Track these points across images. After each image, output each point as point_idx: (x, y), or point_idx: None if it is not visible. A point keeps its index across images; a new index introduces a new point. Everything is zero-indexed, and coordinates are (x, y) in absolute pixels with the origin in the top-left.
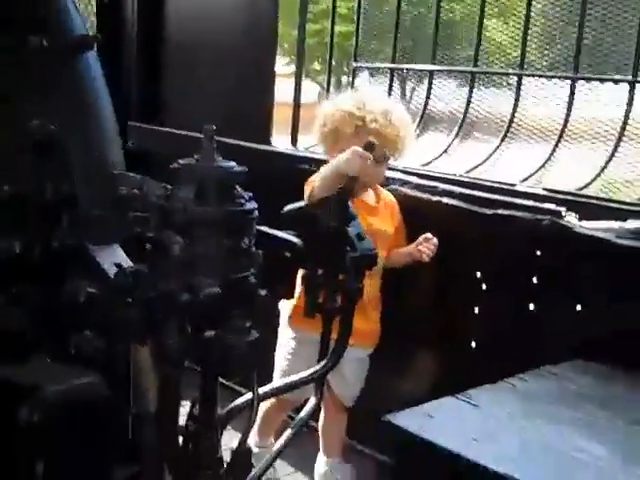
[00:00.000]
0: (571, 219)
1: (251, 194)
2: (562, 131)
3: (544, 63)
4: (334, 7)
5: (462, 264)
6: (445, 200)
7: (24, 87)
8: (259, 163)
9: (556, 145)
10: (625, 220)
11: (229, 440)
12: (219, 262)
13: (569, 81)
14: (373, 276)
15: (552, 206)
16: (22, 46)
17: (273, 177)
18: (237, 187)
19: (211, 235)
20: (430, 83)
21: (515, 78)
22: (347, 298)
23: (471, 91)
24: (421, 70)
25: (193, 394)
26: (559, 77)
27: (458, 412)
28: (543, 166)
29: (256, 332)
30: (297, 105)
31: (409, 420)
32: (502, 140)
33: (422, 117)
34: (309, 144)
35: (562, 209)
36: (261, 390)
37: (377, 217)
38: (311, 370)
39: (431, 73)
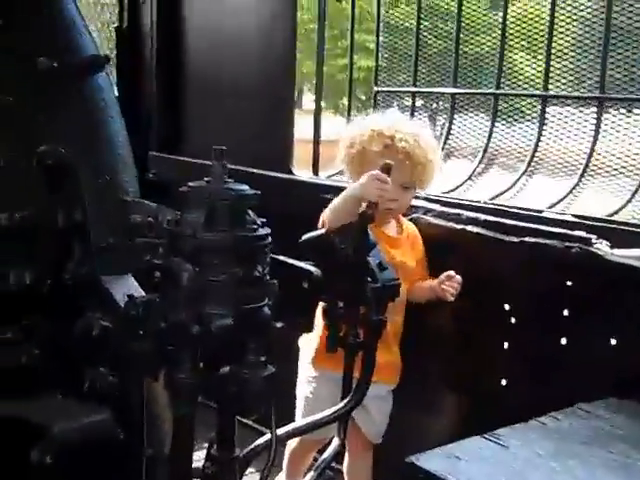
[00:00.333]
0: (602, 247)
1: (264, 219)
2: (589, 159)
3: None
4: (352, 36)
5: (489, 296)
6: (469, 228)
7: (34, 110)
8: (280, 192)
9: (583, 173)
10: None
11: None
12: (230, 291)
13: (595, 109)
14: (397, 308)
15: (582, 233)
16: (32, 68)
17: (294, 206)
18: (249, 212)
19: (221, 262)
20: (452, 107)
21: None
22: (369, 332)
23: (495, 114)
24: (443, 93)
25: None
26: (585, 98)
27: (486, 453)
28: (571, 192)
29: (272, 367)
30: (317, 133)
31: (434, 462)
32: (528, 165)
33: (446, 140)
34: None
35: (592, 236)
36: (282, 430)
37: (399, 249)
38: (334, 409)
39: (453, 96)
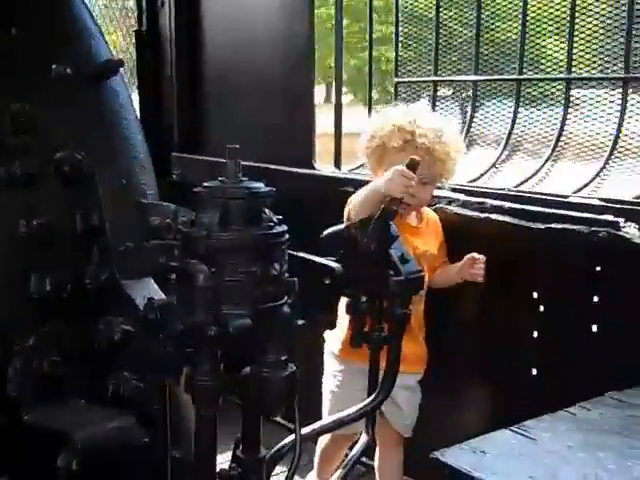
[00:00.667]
0: (630, 230)
1: (281, 217)
2: (615, 141)
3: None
4: (371, 28)
5: (517, 284)
6: (494, 216)
7: (50, 116)
8: (303, 187)
9: (609, 155)
10: None
11: None
12: (248, 291)
13: (620, 90)
14: (420, 298)
15: (609, 217)
16: (47, 75)
17: (317, 201)
18: (265, 210)
19: (237, 262)
20: (475, 94)
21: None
22: (394, 326)
23: (518, 100)
24: (464, 81)
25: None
26: (609, 79)
27: (513, 447)
28: (597, 175)
29: (293, 365)
30: (339, 128)
31: (459, 457)
32: (553, 150)
33: (469, 128)
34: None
35: (620, 220)
36: (308, 429)
37: (421, 238)
38: (361, 405)
39: (475, 83)
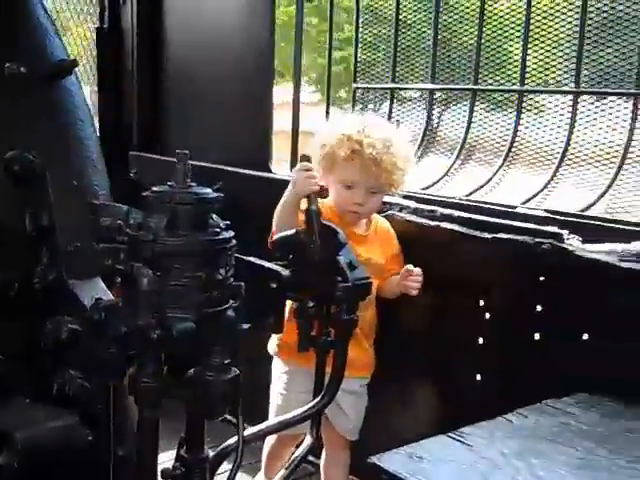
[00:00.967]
0: (573, 242)
1: (228, 222)
2: (564, 153)
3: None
4: (331, 31)
5: (464, 291)
6: (444, 225)
7: (1, 115)
8: (258, 190)
9: (557, 168)
10: (629, 242)
11: None
12: (192, 295)
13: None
14: (367, 305)
15: (553, 229)
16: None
17: (271, 204)
18: (213, 215)
19: (182, 266)
20: (431, 103)
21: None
22: (340, 331)
23: (472, 109)
24: (421, 89)
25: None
26: (561, 92)
27: (449, 453)
28: (545, 187)
29: (237, 369)
30: (296, 131)
31: (396, 462)
32: (504, 160)
33: (424, 136)
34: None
35: (564, 232)
36: (253, 430)
37: (365, 246)
38: (305, 407)
39: (431, 92)
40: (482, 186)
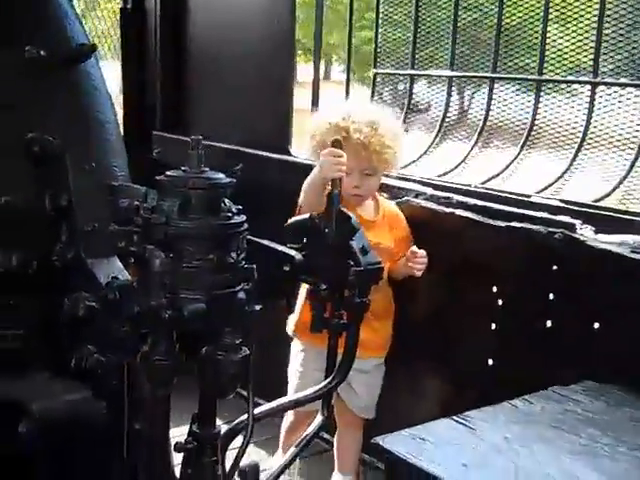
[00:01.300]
0: (586, 232)
1: (240, 207)
2: (581, 142)
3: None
4: (351, 11)
5: (478, 278)
6: (459, 212)
7: (23, 98)
8: (277, 172)
9: (574, 157)
10: None
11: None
12: (203, 277)
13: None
14: (379, 288)
15: (566, 218)
16: (20, 57)
17: (291, 187)
18: (225, 200)
19: (194, 249)
20: (450, 89)
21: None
22: (352, 315)
23: (490, 97)
24: (439, 76)
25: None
26: (579, 82)
27: (452, 436)
28: (560, 178)
29: (247, 349)
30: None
31: (399, 444)
32: (521, 148)
33: (442, 121)
34: None
35: (577, 222)
36: (264, 408)
37: (374, 231)
38: (317, 387)
39: (450, 79)
40: (498, 174)
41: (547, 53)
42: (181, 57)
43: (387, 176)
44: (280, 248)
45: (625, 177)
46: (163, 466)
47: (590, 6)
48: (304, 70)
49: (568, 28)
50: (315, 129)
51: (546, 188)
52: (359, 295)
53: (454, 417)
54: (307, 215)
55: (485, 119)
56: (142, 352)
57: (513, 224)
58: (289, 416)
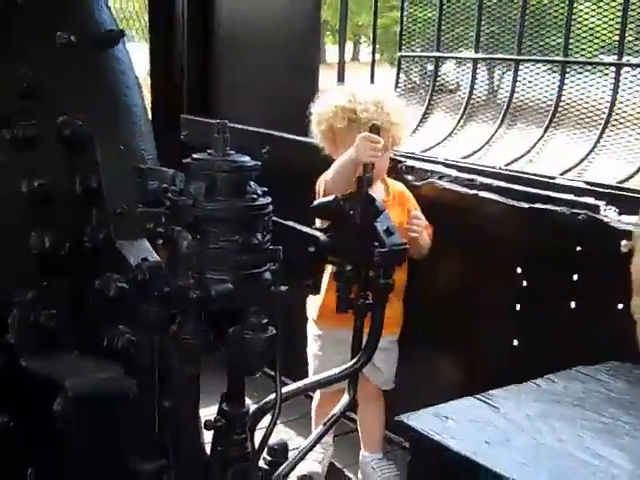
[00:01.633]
0: (610, 213)
1: (265, 189)
2: (605, 124)
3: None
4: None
5: (502, 259)
6: (482, 194)
7: (53, 83)
8: (302, 155)
9: (601, 134)
10: None
11: None
12: (229, 258)
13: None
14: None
15: (589, 200)
16: (51, 42)
17: (316, 170)
18: (251, 182)
19: (221, 231)
20: (474, 72)
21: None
22: (377, 295)
23: (515, 79)
24: (465, 58)
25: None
26: (603, 64)
27: (475, 414)
28: (586, 158)
29: (274, 328)
30: None
31: (422, 421)
32: (545, 130)
33: (467, 104)
34: None
35: (601, 203)
36: (292, 387)
37: (389, 211)
38: (343, 367)
39: (475, 61)
40: (522, 156)
41: (577, 31)
42: (208, 41)
43: (412, 158)
44: (305, 229)
45: None
46: (194, 442)
47: None
48: (333, 51)
49: (600, 7)
50: (321, 114)
51: (570, 169)
52: (384, 276)
53: (477, 396)
54: (331, 197)
55: (509, 100)
56: (171, 331)
57: (537, 206)
58: (317, 397)
